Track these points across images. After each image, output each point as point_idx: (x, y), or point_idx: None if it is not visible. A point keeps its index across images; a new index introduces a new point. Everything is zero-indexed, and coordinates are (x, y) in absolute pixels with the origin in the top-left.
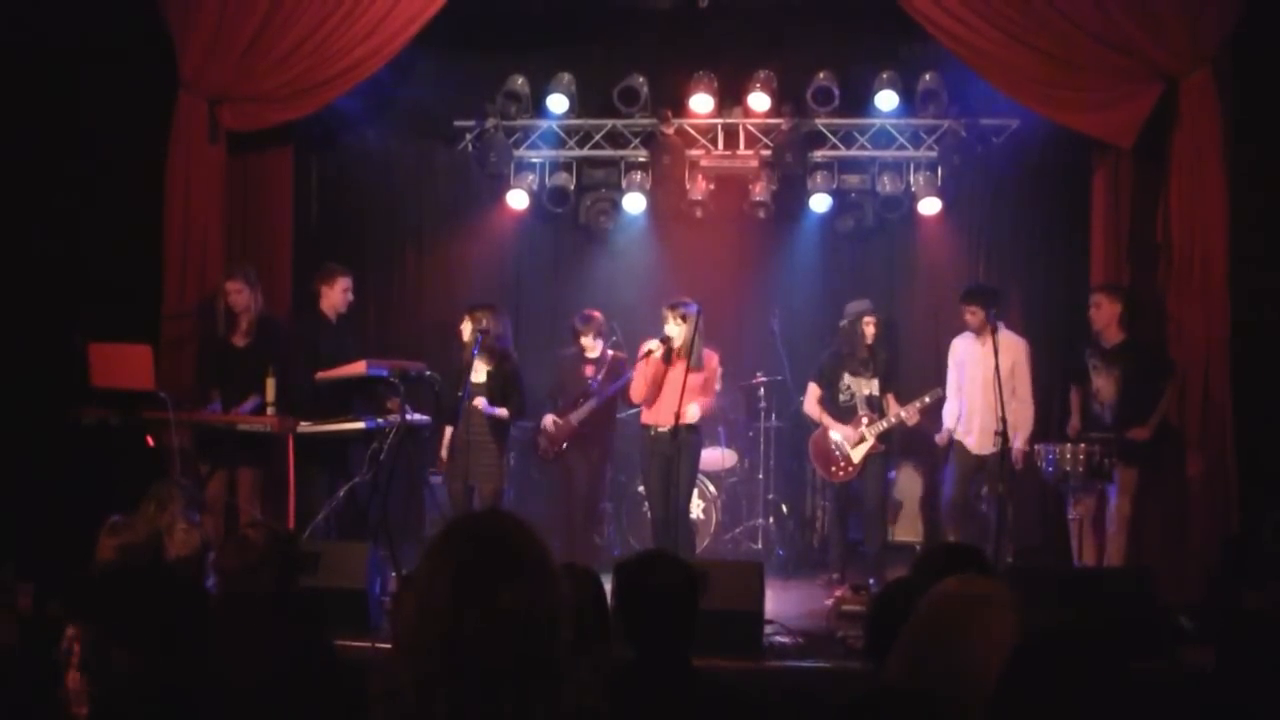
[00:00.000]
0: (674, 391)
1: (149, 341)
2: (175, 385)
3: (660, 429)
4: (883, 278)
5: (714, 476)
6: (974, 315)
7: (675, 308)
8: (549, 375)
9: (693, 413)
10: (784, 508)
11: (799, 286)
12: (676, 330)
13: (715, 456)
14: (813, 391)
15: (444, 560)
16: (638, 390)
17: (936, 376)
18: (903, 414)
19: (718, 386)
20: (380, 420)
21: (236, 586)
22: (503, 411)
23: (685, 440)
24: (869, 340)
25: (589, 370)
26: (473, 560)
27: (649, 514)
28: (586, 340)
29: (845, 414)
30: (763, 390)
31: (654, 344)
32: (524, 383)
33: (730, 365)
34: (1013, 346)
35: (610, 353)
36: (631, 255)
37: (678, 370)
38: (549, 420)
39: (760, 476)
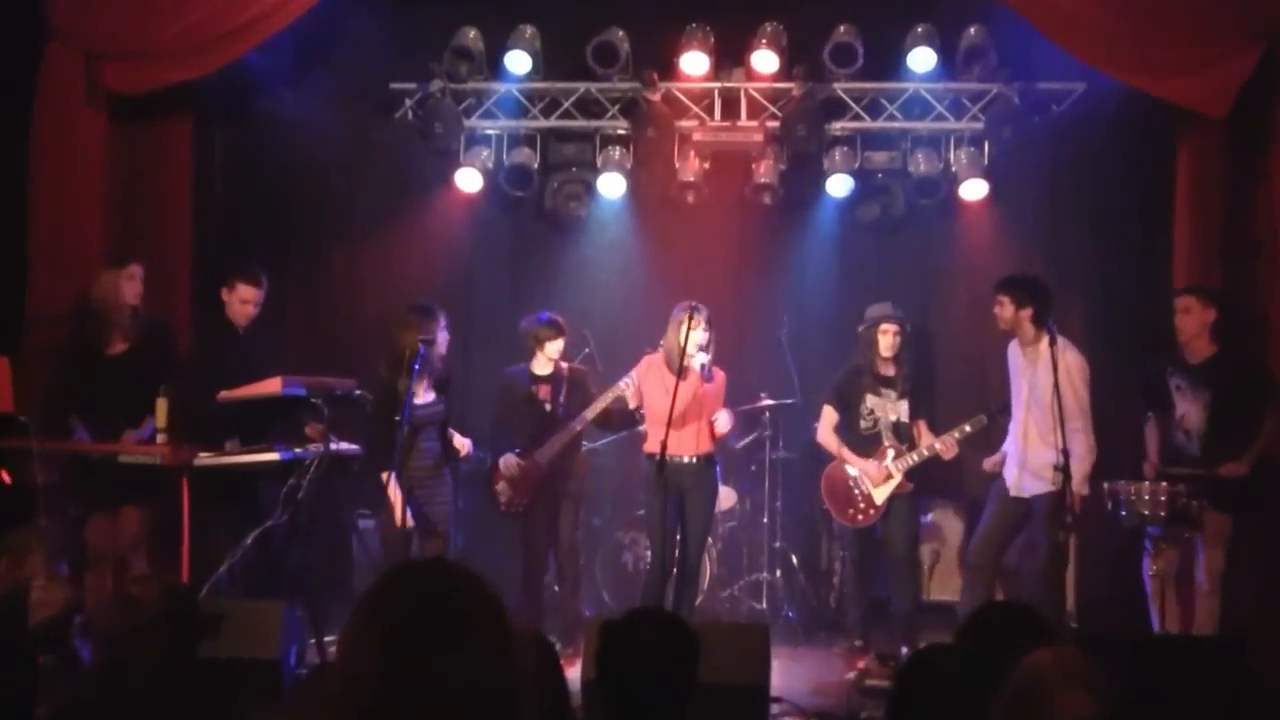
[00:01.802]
0: (693, 413)
1: (7, 352)
2: (40, 407)
3: (683, 459)
4: (915, 279)
5: None
6: (1002, 308)
7: (700, 310)
8: (498, 401)
9: (724, 421)
10: (793, 559)
11: (813, 289)
12: (704, 337)
13: None
14: (828, 417)
15: (374, 620)
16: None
17: (980, 398)
18: (937, 445)
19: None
20: (299, 450)
21: (118, 655)
22: (464, 444)
23: (706, 473)
24: (885, 352)
25: (543, 392)
26: (409, 620)
27: (635, 563)
28: (542, 354)
29: (867, 444)
30: (768, 415)
31: (703, 356)
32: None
33: (729, 385)
34: (1065, 363)
35: (565, 366)
36: (608, 250)
37: (688, 384)
38: (511, 463)
39: (765, 520)
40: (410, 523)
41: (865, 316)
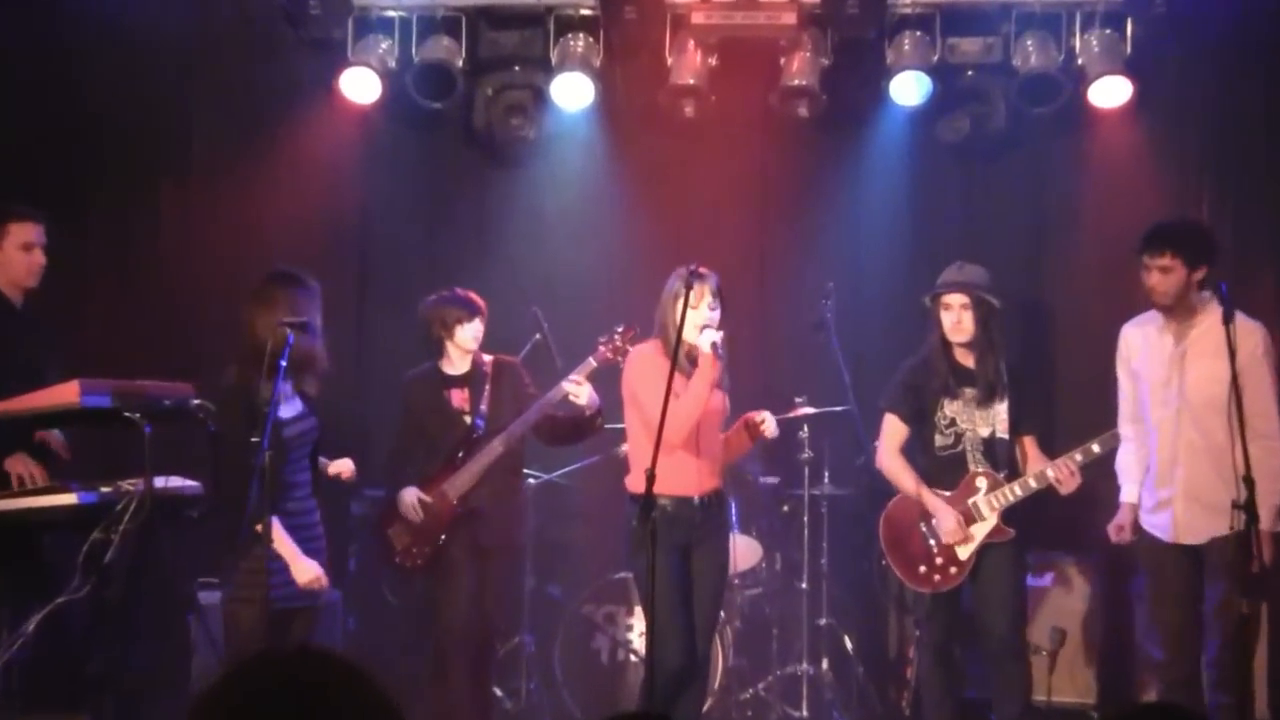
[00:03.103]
0: (706, 426)
1: None
2: None
3: (689, 500)
4: (1024, 228)
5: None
6: (1165, 274)
7: (705, 277)
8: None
9: (772, 426)
10: (846, 641)
11: (870, 245)
12: (710, 315)
13: None
14: (892, 431)
15: None
16: (684, 431)
17: (1116, 403)
18: (1051, 472)
19: None
20: (106, 490)
21: None
22: (346, 467)
23: (718, 518)
24: (954, 336)
25: (457, 398)
26: None
27: (611, 651)
28: (453, 346)
29: (947, 470)
30: (806, 431)
31: (712, 333)
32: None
33: (746, 384)
34: (1249, 348)
35: (488, 360)
36: (569, 190)
37: (699, 383)
38: (410, 498)
39: (803, 585)
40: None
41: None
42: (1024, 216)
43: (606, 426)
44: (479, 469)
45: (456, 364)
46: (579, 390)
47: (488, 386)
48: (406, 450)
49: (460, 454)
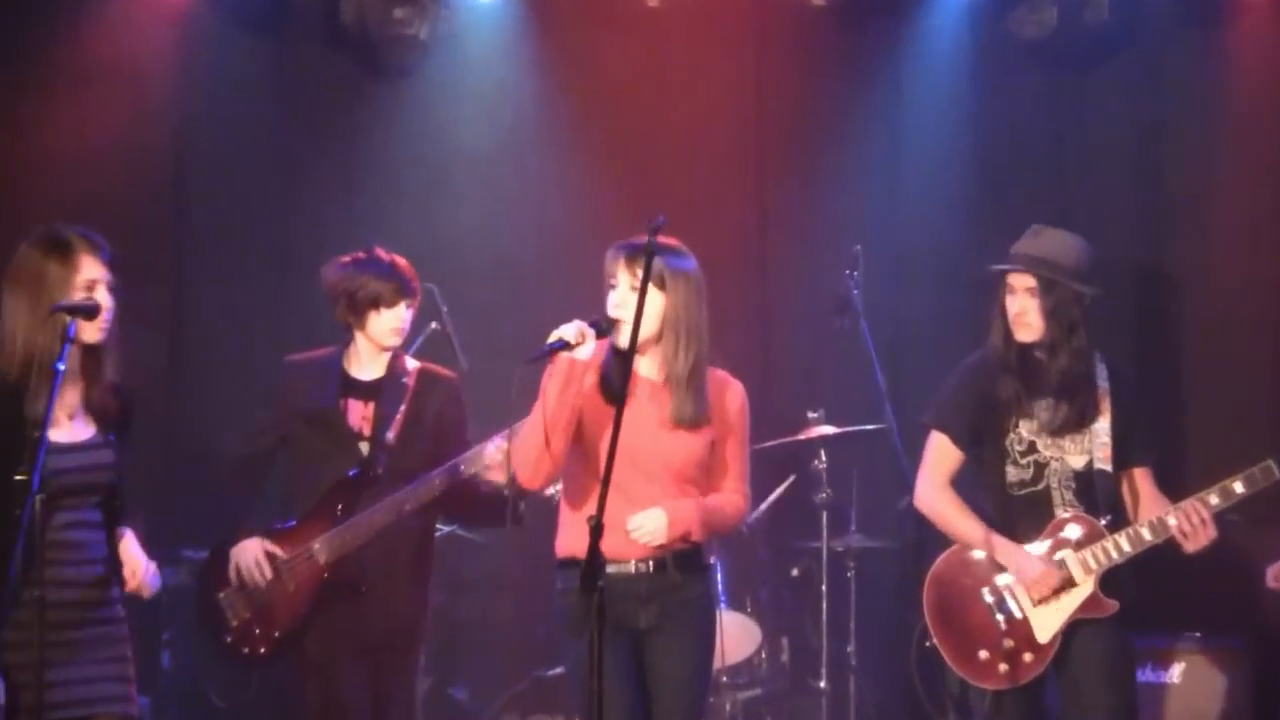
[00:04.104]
0: (647, 472)
1: None
2: None
3: (622, 568)
4: (1135, 166)
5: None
6: None
7: (634, 257)
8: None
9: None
10: None
11: (913, 190)
12: (626, 311)
13: None
14: (940, 457)
15: None
16: (529, 459)
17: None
18: (1172, 521)
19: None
20: None
21: None
22: (141, 569)
23: (690, 591)
24: (1021, 331)
25: (357, 414)
26: None
27: None
28: (366, 338)
29: (1023, 515)
30: (823, 458)
31: (574, 332)
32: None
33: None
34: None
35: (415, 367)
36: (476, 112)
37: (647, 413)
38: (253, 554)
39: (821, 684)
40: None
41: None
42: (1136, 150)
43: None
44: (370, 526)
45: (365, 364)
46: (491, 460)
47: (404, 406)
48: (256, 473)
49: (342, 501)
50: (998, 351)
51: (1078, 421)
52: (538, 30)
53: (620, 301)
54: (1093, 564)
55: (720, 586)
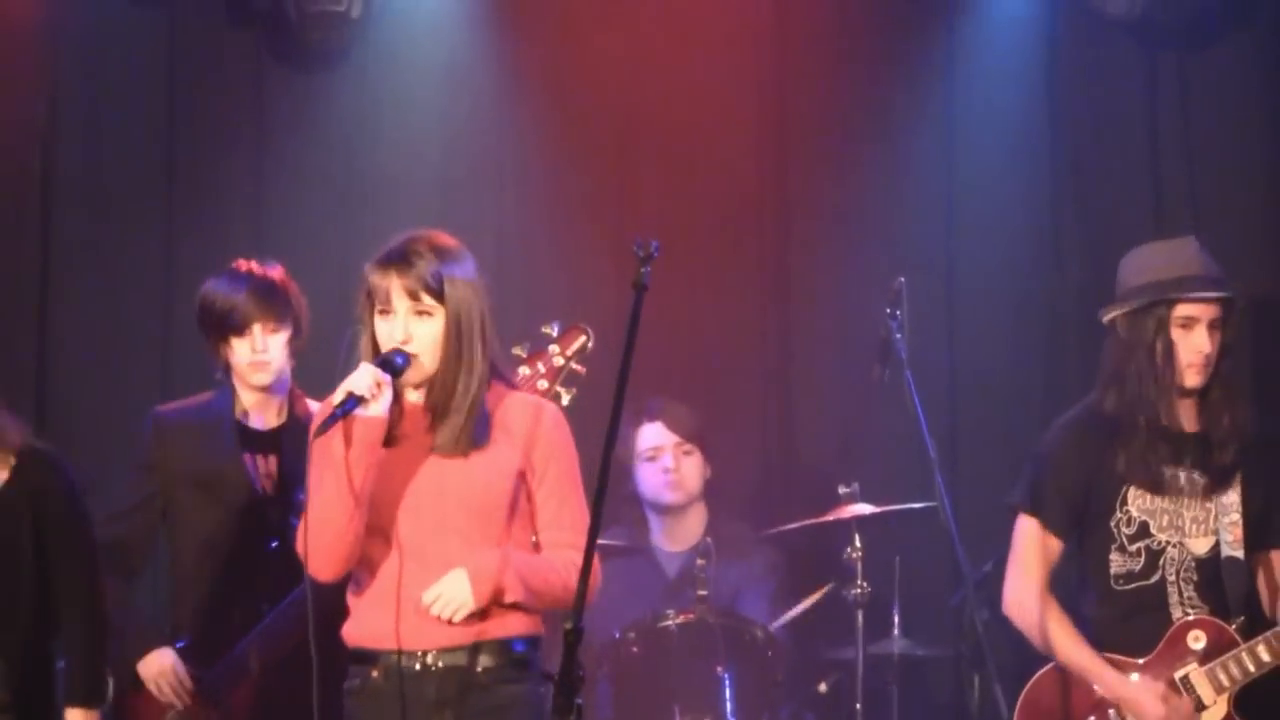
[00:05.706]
0: (438, 520)
1: None
2: None
3: (430, 661)
4: (1254, 166)
5: None
6: None
7: (407, 275)
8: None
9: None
10: None
11: (973, 206)
12: (418, 344)
13: None
14: (1033, 548)
15: None
16: (333, 551)
17: None
18: None
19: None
20: None
21: None
22: None
23: (494, 693)
24: (1190, 376)
25: (262, 469)
26: None
27: None
28: (239, 380)
29: (1131, 617)
30: (857, 544)
31: (368, 384)
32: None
33: (745, 461)
34: None
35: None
36: (420, 104)
37: (422, 447)
38: (163, 667)
39: None
40: None
41: (1126, 281)
42: (1256, 148)
43: None
44: (302, 616)
45: (257, 410)
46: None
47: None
48: (132, 564)
49: (266, 586)
50: (1138, 402)
51: (1208, 493)
52: (493, 10)
53: (405, 332)
54: (1225, 681)
55: (728, 705)
